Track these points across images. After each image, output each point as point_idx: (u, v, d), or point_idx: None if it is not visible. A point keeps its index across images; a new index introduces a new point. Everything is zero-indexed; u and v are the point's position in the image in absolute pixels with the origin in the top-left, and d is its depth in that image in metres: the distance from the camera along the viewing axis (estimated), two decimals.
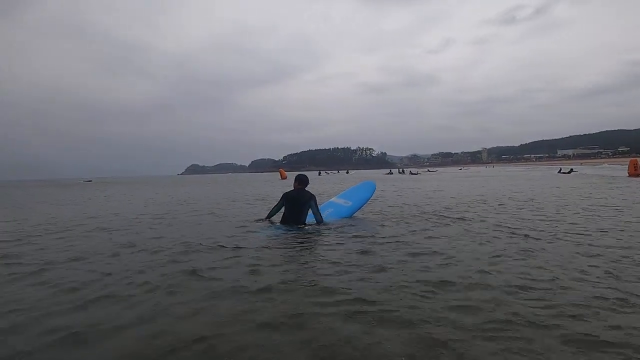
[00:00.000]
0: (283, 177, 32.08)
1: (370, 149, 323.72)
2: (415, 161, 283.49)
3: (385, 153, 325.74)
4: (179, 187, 23.03)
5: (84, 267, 3.23)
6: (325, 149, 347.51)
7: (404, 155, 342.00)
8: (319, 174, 53.35)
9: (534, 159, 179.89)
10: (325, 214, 5.45)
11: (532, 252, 3.49)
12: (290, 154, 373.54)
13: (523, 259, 3.23)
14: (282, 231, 4.80)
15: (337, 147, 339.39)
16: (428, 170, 58.78)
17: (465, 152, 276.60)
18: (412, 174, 42.84)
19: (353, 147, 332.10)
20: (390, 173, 46.24)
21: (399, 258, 3.36)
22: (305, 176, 5.41)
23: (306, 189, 5.31)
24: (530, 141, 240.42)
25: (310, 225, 5.10)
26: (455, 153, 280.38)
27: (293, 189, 5.28)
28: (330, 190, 13.28)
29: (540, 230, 4.60)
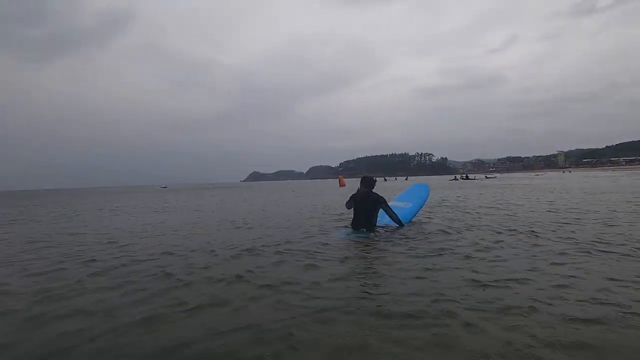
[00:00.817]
0: (342, 185, 32.19)
1: (429, 154, 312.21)
2: (479, 166, 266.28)
3: (445, 158, 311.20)
4: (263, 193, 24.55)
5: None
6: (382, 155, 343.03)
7: (467, 160, 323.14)
8: (385, 180, 53.07)
9: (623, 162, 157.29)
10: (386, 219, 5.12)
11: None
12: (347, 161, 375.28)
13: None
14: (353, 235, 4.67)
15: (394, 153, 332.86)
16: (485, 177, 51.66)
17: (537, 156, 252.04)
18: (487, 178, 41.14)
19: (411, 153, 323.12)
20: (455, 179, 42.29)
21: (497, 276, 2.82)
22: (371, 178, 5.12)
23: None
24: (618, 142, 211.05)
25: (384, 227, 4.96)
26: (525, 157, 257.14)
27: (359, 191, 5.02)
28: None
29: None
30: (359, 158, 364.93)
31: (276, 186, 49.51)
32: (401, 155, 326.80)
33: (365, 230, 4.80)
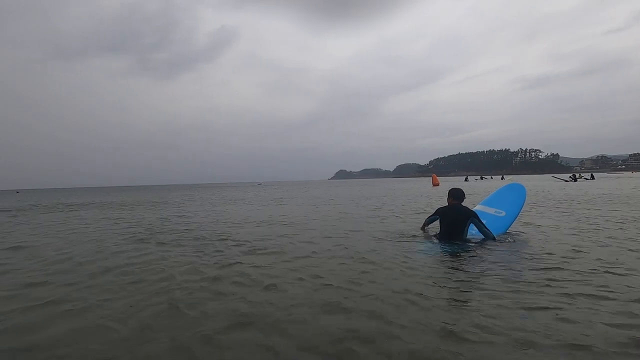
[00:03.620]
0: (435, 184, 30.98)
1: (536, 150, 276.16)
2: (602, 163, 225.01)
3: (557, 154, 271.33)
4: (359, 187, 25.92)
5: None
6: (478, 152, 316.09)
7: (585, 156, 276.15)
8: (466, 179, 48.95)
9: None
10: (474, 232, 4.67)
11: None
12: (437, 159, 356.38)
13: None
14: (439, 248, 4.37)
15: (493, 150, 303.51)
16: (583, 178, 37.41)
17: None
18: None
19: (512, 149, 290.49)
20: (573, 179, 33.16)
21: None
22: (460, 190, 4.84)
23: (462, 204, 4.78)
24: None
25: (475, 240, 4.54)
26: None
27: (447, 204, 4.86)
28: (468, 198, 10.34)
29: None
30: (450, 155, 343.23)
31: (372, 183, 50.10)
32: (500, 152, 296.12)
33: (454, 243, 4.41)
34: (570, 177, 34.73)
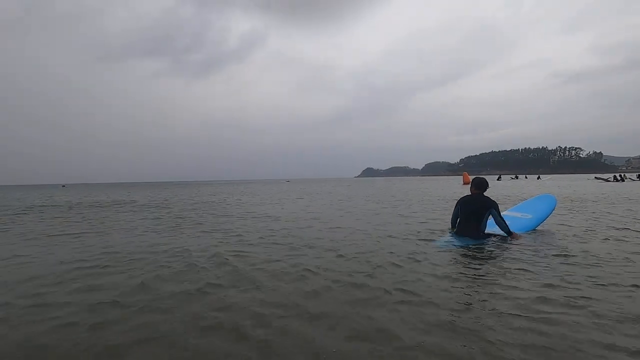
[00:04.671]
0: (466, 182, 30.69)
1: (577, 148, 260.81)
2: None
3: (600, 153, 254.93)
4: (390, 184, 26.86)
5: None
6: (513, 150, 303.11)
7: (632, 155, 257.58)
8: (498, 178, 47.54)
9: None
10: (495, 228, 4.70)
11: None
12: (468, 157, 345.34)
13: None
14: (457, 243, 4.29)
15: (528, 148, 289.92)
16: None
17: None
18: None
19: (550, 147, 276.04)
20: (616, 179, 30.76)
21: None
22: (483, 179, 4.81)
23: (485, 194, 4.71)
24: None
25: (494, 235, 4.58)
26: None
27: (470, 193, 4.80)
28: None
29: None
30: (482, 154, 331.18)
31: (405, 181, 49.68)
32: (537, 150, 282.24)
33: (473, 238, 4.43)
34: (613, 177, 32.56)
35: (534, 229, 5.26)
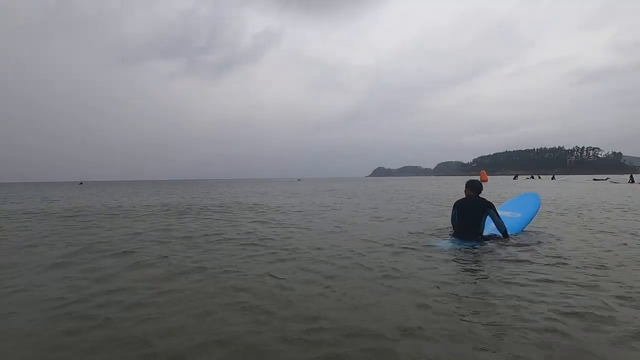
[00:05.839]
0: (483, 180, 30.92)
1: (595, 148, 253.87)
2: None
3: (619, 153, 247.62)
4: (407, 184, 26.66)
5: None
6: (527, 150, 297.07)
7: None
8: (515, 177, 47.57)
9: None
10: (491, 228, 4.77)
11: None
12: (481, 157, 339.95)
13: None
14: (456, 245, 4.38)
15: (544, 147, 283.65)
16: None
17: None
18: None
19: (567, 147, 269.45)
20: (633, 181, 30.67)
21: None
22: (477, 182, 4.88)
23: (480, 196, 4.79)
24: None
25: (491, 238, 4.59)
26: None
27: (465, 196, 4.86)
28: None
29: None
30: (496, 153, 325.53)
31: (416, 181, 49.35)
32: (553, 150, 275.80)
33: (471, 240, 4.50)
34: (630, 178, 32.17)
35: (523, 230, 5.38)
